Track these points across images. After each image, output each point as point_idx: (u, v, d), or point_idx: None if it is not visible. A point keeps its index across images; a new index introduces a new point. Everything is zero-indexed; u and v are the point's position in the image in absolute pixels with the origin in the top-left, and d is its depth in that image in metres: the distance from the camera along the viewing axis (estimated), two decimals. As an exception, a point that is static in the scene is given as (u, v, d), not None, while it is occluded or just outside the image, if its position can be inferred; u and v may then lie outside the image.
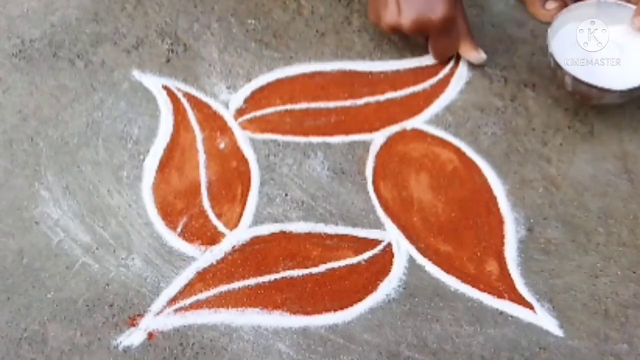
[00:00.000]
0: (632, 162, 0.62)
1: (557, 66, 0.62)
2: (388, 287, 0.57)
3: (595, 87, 0.60)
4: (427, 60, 0.68)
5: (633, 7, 0.62)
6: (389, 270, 0.58)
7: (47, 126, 0.64)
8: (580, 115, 0.65)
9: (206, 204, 0.61)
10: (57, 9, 0.71)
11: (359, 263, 0.58)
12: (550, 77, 0.64)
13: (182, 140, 0.64)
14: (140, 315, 0.55)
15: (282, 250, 0.58)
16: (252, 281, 0.57)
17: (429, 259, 0.58)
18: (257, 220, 0.60)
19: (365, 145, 0.64)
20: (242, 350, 0.54)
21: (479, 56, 0.66)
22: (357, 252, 0.59)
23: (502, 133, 0.64)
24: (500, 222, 0.60)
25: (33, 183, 0.61)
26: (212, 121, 0.65)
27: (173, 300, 0.56)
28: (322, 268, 0.58)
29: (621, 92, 0.60)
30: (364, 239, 0.59)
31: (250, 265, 0.58)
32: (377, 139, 0.64)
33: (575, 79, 0.61)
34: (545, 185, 0.61)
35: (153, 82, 0.67)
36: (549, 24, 0.64)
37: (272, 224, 0.60)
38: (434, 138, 0.64)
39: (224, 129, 0.65)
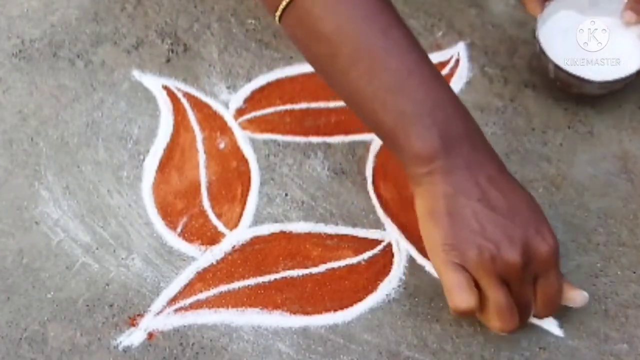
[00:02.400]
0: (632, 162, 0.62)
1: (542, 52, 0.62)
2: (388, 287, 0.57)
3: (574, 76, 0.61)
4: (427, 60, 0.68)
5: None
6: (389, 270, 0.58)
7: (47, 126, 0.64)
8: (580, 115, 0.65)
9: (206, 204, 0.61)
10: (57, 9, 0.71)
11: (359, 263, 0.58)
12: (545, 73, 0.64)
13: (182, 140, 0.64)
14: (140, 315, 0.55)
15: (282, 250, 0.58)
16: (252, 281, 0.57)
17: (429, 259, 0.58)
18: (257, 220, 0.60)
19: (365, 145, 0.64)
20: (242, 350, 0.54)
21: (583, 294, 0.53)
22: (357, 252, 0.59)
23: (502, 133, 0.64)
24: (500, 222, 0.60)
25: (33, 183, 0.61)
26: (212, 121, 0.65)
27: (173, 300, 0.56)
28: (322, 268, 0.58)
29: (599, 83, 0.61)
30: (364, 239, 0.59)
31: (250, 265, 0.58)
32: (377, 139, 0.64)
33: (557, 67, 0.62)
34: (545, 185, 0.61)
35: (153, 82, 0.67)
36: None
37: (272, 224, 0.60)
38: (434, 138, 0.64)
39: (224, 129, 0.65)
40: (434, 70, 0.52)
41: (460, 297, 0.48)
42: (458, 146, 0.49)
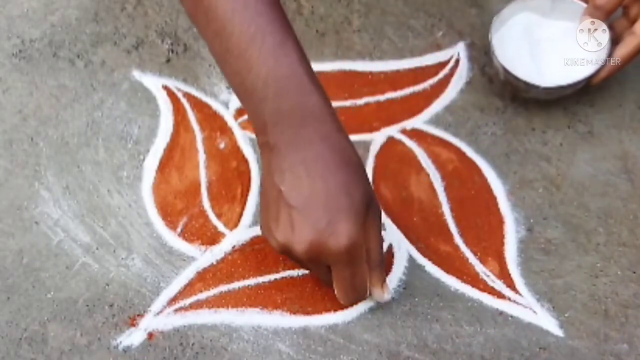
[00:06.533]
0: (632, 162, 0.62)
1: (493, 54, 0.62)
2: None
3: (522, 81, 0.61)
4: (427, 60, 0.68)
5: (585, 5, 0.62)
6: (389, 270, 0.58)
7: (47, 126, 0.64)
8: (580, 115, 0.65)
9: (206, 204, 0.61)
10: (57, 9, 0.71)
11: (359, 263, 0.58)
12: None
13: (182, 140, 0.64)
14: (140, 315, 0.55)
15: (282, 250, 0.58)
16: (252, 281, 0.57)
17: (429, 259, 0.58)
18: (257, 220, 0.60)
19: (365, 145, 0.64)
20: (242, 350, 0.54)
21: (384, 296, 0.53)
22: (357, 252, 0.58)
23: (502, 133, 0.64)
24: (500, 222, 0.60)
25: (33, 183, 0.61)
26: (212, 121, 0.65)
27: (173, 300, 0.56)
28: (322, 268, 0.58)
29: (545, 89, 0.61)
30: (364, 239, 0.59)
31: (250, 265, 0.58)
32: (377, 139, 0.64)
33: (506, 70, 0.61)
34: (545, 185, 0.61)
35: (153, 82, 0.67)
36: None
37: (272, 224, 0.60)
38: (434, 138, 0.64)
39: (224, 129, 0.65)
40: (283, 37, 0.49)
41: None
42: (285, 123, 0.49)
